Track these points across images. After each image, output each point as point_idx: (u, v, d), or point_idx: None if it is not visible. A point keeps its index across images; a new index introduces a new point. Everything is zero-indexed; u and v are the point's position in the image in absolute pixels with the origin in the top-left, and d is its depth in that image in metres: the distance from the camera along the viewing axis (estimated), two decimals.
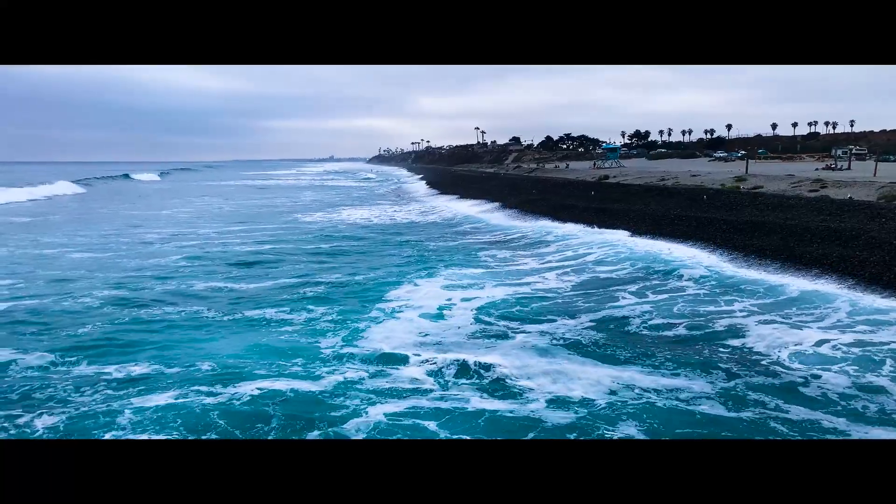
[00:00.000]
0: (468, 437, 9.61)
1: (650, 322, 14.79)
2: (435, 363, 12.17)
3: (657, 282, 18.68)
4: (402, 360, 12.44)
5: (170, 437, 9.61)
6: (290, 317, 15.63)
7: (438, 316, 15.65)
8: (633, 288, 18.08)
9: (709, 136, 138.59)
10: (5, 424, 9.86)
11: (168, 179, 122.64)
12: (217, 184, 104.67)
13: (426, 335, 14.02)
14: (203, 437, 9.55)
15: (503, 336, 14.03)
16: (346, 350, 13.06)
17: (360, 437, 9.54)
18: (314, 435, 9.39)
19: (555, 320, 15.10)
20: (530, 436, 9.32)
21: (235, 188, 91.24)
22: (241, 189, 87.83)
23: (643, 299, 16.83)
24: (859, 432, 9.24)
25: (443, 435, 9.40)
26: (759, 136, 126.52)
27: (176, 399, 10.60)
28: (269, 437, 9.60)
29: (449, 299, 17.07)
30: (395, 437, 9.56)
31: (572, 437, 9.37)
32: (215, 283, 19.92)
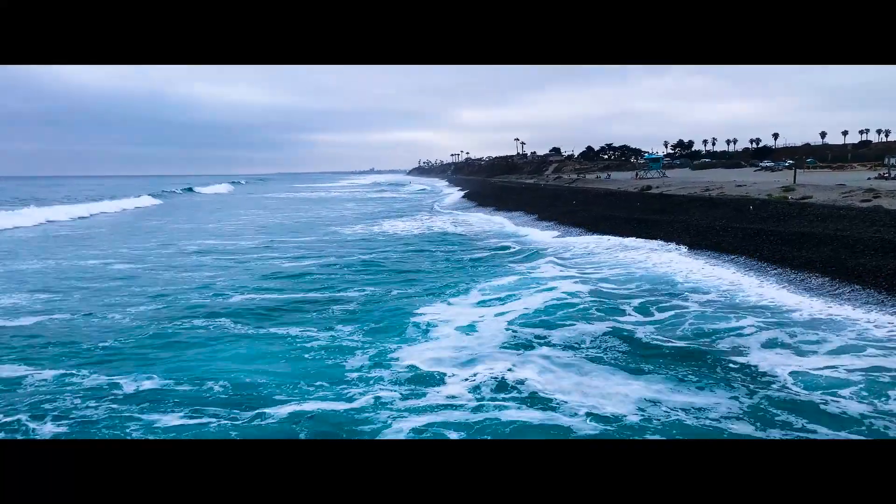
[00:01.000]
0: (468, 438, 9.55)
1: (680, 338, 14.34)
2: (468, 379, 11.91)
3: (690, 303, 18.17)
4: (436, 376, 12.19)
5: (170, 437, 9.61)
6: (319, 333, 15.36)
7: (470, 329, 15.39)
8: (649, 303, 17.61)
9: (754, 145, 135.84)
10: (5, 432, 9.91)
11: (229, 192, 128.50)
12: (271, 196, 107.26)
13: (459, 350, 13.74)
14: (203, 438, 9.51)
15: (533, 349, 13.74)
16: (378, 367, 12.81)
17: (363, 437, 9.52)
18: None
19: (584, 334, 14.73)
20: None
21: (288, 200, 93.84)
22: (293, 201, 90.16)
23: (665, 315, 16.35)
24: None
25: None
26: (807, 145, 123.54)
27: (191, 418, 10.37)
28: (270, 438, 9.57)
29: (481, 316, 16.71)
30: (394, 438, 9.51)
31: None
32: (246, 296, 19.87)
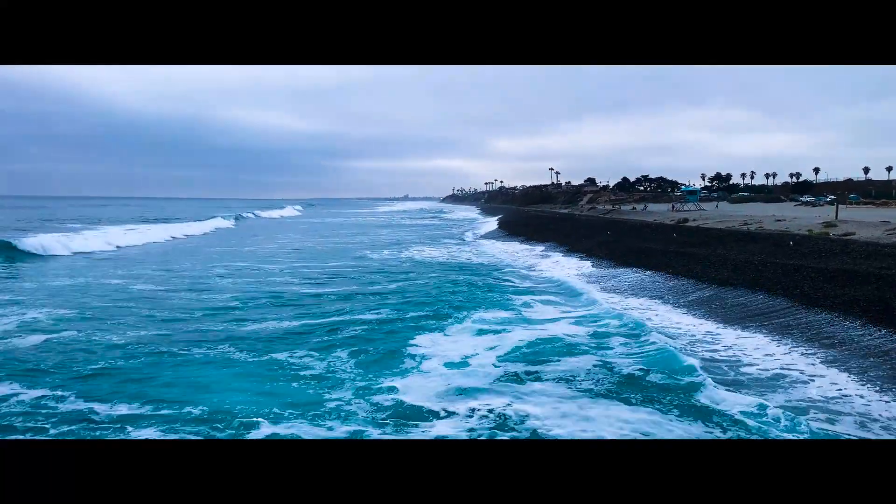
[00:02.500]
0: (468, 438, 9.59)
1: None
2: (462, 415, 11.48)
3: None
4: (423, 409, 11.79)
5: (169, 437, 9.63)
6: (315, 361, 15.01)
7: (463, 362, 15.01)
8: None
9: (794, 179, 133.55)
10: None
11: (292, 217, 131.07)
12: (319, 221, 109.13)
13: (450, 383, 13.37)
14: (203, 438, 9.56)
15: (525, 382, 13.39)
16: (364, 399, 12.35)
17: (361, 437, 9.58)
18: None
19: (573, 370, 14.29)
20: None
21: (332, 224, 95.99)
22: (336, 225, 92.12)
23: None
24: None
25: None
26: (849, 181, 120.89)
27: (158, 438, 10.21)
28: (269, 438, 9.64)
29: (475, 348, 16.31)
30: (394, 438, 9.56)
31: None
32: (256, 321, 19.71)
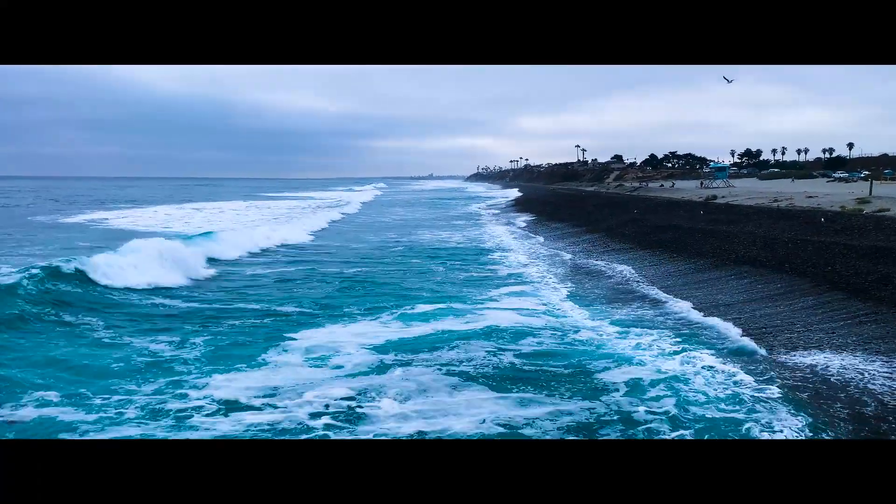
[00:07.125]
0: (468, 438, 9.71)
1: None
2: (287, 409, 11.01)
3: None
4: (232, 403, 11.20)
5: (169, 437, 9.69)
6: (170, 348, 14.52)
7: (330, 357, 14.00)
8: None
9: (827, 155, 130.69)
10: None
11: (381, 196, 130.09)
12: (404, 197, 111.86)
13: (291, 380, 12.45)
14: (203, 438, 9.57)
15: (390, 372, 12.70)
16: (171, 390, 11.80)
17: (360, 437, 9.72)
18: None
19: (465, 362, 13.51)
20: None
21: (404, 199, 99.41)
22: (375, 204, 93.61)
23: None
24: None
25: None
26: (884, 156, 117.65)
27: None
28: (268, 438, 9.74)
29: (369, 340, 15.22)
30: (395, 438, 9.68)
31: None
32: (174, 300, 19.81)
